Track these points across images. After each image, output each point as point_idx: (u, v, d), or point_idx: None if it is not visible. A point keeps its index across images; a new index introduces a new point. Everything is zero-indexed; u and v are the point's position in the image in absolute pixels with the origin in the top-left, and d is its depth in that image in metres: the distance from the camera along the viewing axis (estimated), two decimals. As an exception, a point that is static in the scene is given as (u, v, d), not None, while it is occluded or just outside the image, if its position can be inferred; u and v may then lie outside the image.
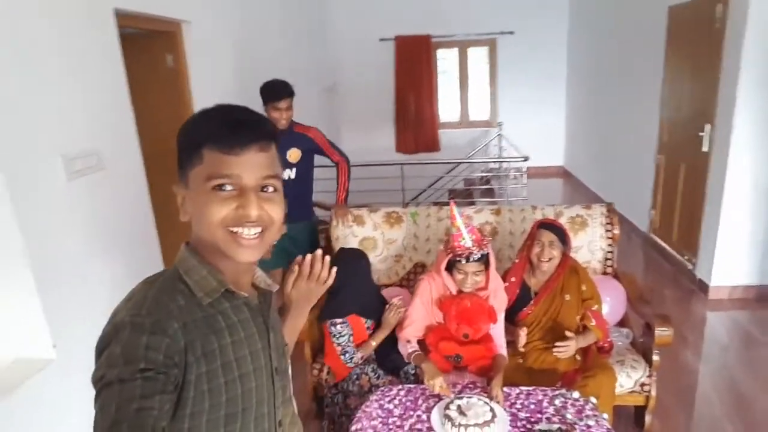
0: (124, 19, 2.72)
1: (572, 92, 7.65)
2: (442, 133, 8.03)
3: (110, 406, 0.69)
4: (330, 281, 1.09)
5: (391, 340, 2.32)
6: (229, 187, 0.81)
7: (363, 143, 7.67)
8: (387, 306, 2.31)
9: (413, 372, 2.28)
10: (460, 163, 6.33)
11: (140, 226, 2.73)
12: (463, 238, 2.04)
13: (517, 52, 7.64)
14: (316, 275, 1.06)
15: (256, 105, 4.16)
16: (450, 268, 2.13)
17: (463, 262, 2.05)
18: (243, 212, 0.81)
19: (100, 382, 0.72)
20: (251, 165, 0.81)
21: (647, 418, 2.39)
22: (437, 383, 1.94)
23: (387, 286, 2.89)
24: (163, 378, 0.73)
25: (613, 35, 5.83)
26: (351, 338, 2.26)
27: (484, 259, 2.08)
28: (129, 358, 0.72)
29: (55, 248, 2.13)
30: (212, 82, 3.71)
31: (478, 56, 8.02)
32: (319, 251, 1.07)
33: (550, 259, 2.25)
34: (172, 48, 3.47)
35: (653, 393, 2.32)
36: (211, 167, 0.80)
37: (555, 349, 2.13)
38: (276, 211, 0.85)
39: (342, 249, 2.69)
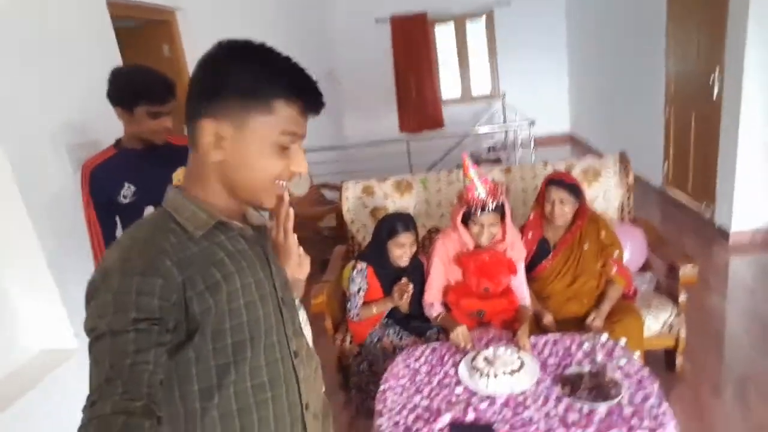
0: (117, 8, 2.71)
1: (574, 56, 7.54)
2: (446, 110, 7.97)
3: (104, 361, 0.67)
4: (288, 224, 1.00)
5: (413, 308, 2.31)
6: (293, 146, 0.83)
7: (366, 126, 7.64)
8: (398, 282, 2.22)
9: (436, 337, 2.25)
10: (466, 136, 6.25)
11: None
12: (477, 189, 2.01)
13: (514, 22, 7.53)
14: (281, 223, 1.00)
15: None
16: (465, 221, 2.10)
17: (479, 213, 2.02)
18: (296, 169, 0.84)
19: (92, 333, 0.70)
20: (306, 129, 0.85)
21: (678, 360, 2.36)
22: (459, 332, 1.92)
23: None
24: (157, 329, 0.71)
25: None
26: (361, 292, 2.26)
27: (500, 210, 2.05)
28: (120, 306, 0.69)
29: (67, 238, 2.13)
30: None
31: (475, 30, 7.91)
32: (287, 197, 0.98)
33: (562, 216, 2.21)
34: (167, 38, 3.45)
35: (682, 334, 2.28)
36: (287, 124, 0.81)
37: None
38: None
39: (391, 212, 2.57)
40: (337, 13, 7.40)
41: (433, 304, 2.21)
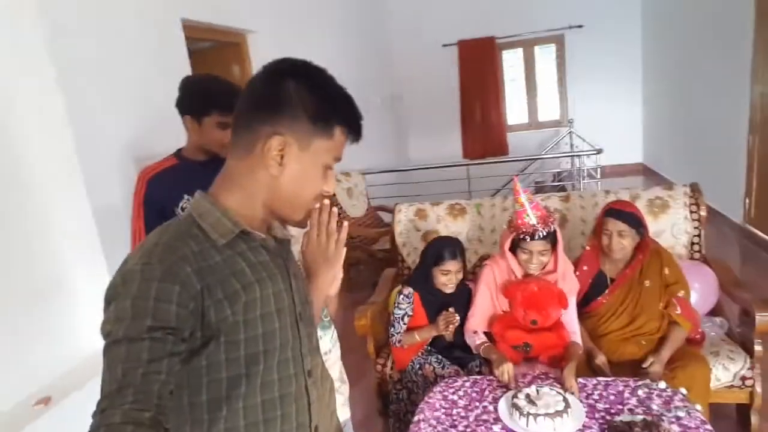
0: (191, 30, 2.87)
1: (649, 81, 7.19)
2: (511, 136, 7.81)
3: (117, 368, 0.68)
4: (342, 234, 1.03)
5: (457, 337, 2.23)
6: (331, 169, 0.89)
7: (430, 150, 7.61)
8: (445, 311, 2.15)
9: (478, 370, 2.16)
10: (528, 160, 6.09)
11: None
12: (527, 215, 1.92)
13: (586, 47, 7.29)
14: (324, 224, 1.01)
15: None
16: (514, 248, 2.01)
17: (528, 240, 1.93)
18: (327, 190, 0.89)
19: (108, 337, 0.71)
20: None
21: (753, 419, 2.10)
22: (505, 369, 1.82)
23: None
24: (172, 338, 0.71)
25: (693, 12, 5.41)
26: (407, 317, 2.19)
27: (551, 238, 1.95)
28: (137, 312, 0.71)
29: (127, 248, 2.25)
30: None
31: (544, 54, 7.76)
32: (326, 202, 1.00)
33: (620, 249, 2.06)
34: (237, 59, 3.62)
35: (758, 389, 2.04)
36: (339, 150, 0.88)
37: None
38: None
39: (439, 236, 2.49)
40: (404, 37, 7.48)
41: (476, 332, 2.12)
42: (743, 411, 2.15)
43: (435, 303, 2.21)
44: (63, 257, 2.02)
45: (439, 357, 2.22)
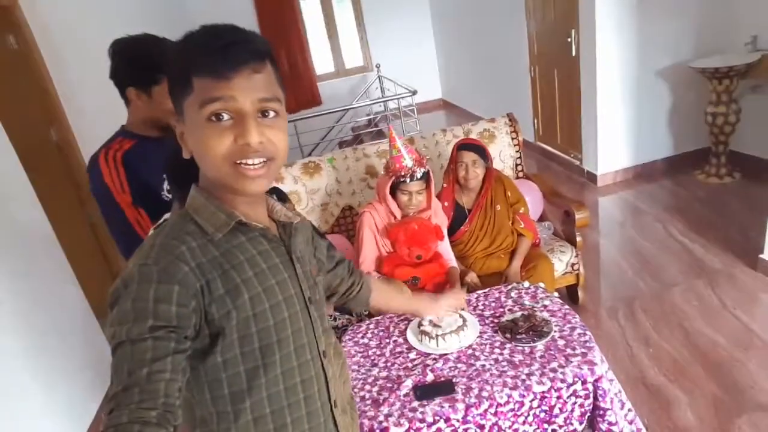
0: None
1: (438, 22, 7.85)
2: (321, 86, 7.89)
3: (122, 369, 0.69)
4: None
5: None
6: (225, 116, 0.74)
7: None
8: None
9: (367, 313, 2.32)
10: (349, 108, 6.27)
11: (35, 227, 2.43)
12: (405, 159, 2.08)
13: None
14: None
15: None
16: (393, 192, 2.17)
17: (408, 181, 2.10)
18: (243, 141, 0.74)
19: (113, 340, 0.71)
20: (245, 88, 0.74)
21: (580, 294, 2.69)
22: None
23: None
24: (174, 336, 0.71)
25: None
26: None
27: (426, 177, 2.15)
28: (138, 314, 0.70)
29: None
30: (77, 63, 3.30)
31: (341, 2, 7.88)
32: None
33: (475, 177, 2.37)
34: (11, 27, 3.01)
35: (582, 270, 2.60)
36: (202, 93, 0.74)
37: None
38: (279, 137, 0.78)
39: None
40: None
41: (370, 272, 2.26)
42: (572, 290, 2.73)
43: None
44: None
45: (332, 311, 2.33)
